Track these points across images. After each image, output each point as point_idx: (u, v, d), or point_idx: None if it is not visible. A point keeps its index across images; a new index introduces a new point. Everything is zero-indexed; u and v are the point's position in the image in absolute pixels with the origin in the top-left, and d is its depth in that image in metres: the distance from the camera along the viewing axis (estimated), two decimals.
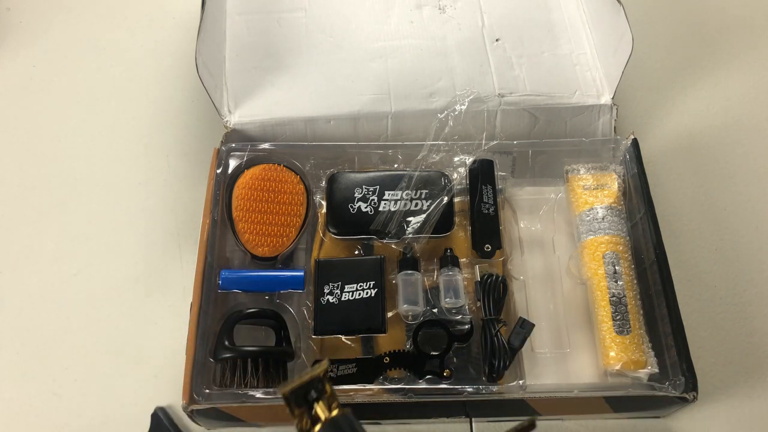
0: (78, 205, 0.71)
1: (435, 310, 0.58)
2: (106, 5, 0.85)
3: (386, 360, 0.56)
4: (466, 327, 0.57)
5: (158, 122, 0.76)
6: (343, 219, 0.61)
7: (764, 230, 0.69)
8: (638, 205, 0.62)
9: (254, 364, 0.55)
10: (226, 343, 0.56)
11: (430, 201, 0.61)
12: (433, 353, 0.56)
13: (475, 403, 0.55)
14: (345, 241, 0.62)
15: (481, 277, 0.58)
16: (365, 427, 0.38)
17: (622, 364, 0.55)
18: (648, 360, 0.56)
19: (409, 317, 0.58)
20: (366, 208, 0.61)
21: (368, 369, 0.56)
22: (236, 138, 0.67)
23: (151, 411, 0.60)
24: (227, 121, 0.67)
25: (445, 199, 0.61)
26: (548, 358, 0.58)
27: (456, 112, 0.66)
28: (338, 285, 0.58)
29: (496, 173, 0.64)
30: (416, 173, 0.62)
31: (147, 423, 0.60)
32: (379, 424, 0.60)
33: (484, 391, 0.54)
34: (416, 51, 0.72)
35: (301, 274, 0.60)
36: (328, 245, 0.62)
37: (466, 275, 0.60)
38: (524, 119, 0.69)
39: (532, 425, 0.37)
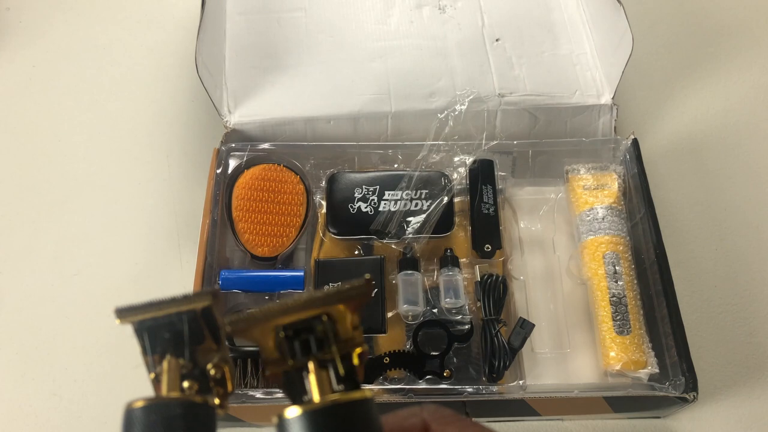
0: (77, 205, 0.71)
1: (435, 311, 0.58)
2: (106, 5, 0.85)
3: (386, 360, 0.55)
4: (466, 327, 0.57)
5: (158, 122, 0.76)
6: (343, 219, 0.61)
7: (765, 230, 0.69)
8: (638, 205, 0.62)
9: (254, 364, 0.55)
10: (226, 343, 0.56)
11: (430, 201, 0.61)
12: (433, 353, 0.56)
13: (475, 403, 0.55)
14: (345, 241, 0.62)
15: (481, 278, 0.58)
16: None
17: (622, 365, 0.55)
18: (648, 360, 0.56)
19: (409, 317, 0.58)
20: (366, 208, 0.61)
21: (368, 369, 0.55)
22: (236, 138, 0.67)
23: None
24: (227, 121, 0.67)
25: (445, 199, 0.61)
26: (548, 358, 0.58)
27: (456, 112, 0.66)
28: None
29: (496, 173, 0.63)
30: (416, 173, 0.62)
31: None
32: None
33: (484, 392, 0.54)
34: (416, 51, 0.72)
35: (301, 274, 0.60)
36: (328, 245, 0.62)
37: (466, 275, 0.60)
38: (524, 119, 0.69)
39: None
